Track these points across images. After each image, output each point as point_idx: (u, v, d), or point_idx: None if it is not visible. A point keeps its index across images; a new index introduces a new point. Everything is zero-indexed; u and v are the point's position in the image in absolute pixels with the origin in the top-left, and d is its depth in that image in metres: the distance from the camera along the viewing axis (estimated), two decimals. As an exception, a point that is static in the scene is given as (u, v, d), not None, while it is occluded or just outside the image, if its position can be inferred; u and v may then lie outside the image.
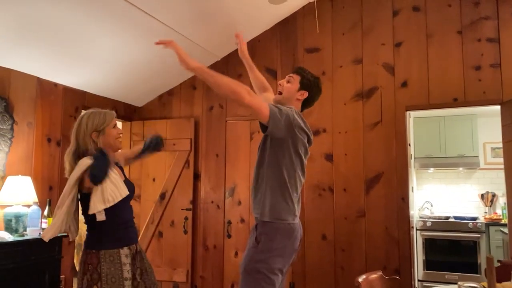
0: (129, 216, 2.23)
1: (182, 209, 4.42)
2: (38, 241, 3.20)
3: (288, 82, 2.32)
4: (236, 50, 4.41)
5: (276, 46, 4.30)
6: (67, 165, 2.14)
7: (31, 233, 3.20)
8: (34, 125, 3.65)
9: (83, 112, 2.31)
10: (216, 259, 4.31)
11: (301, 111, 2.35)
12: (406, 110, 3.84)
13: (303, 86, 2.29)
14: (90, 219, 2.11)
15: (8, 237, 3.04)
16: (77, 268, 2.17)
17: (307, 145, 2.27)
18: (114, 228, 2.12)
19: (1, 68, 3.39)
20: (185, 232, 4.39)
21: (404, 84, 3.83)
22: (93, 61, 3.76)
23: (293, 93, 2.29)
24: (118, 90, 4.42)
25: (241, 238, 4.24)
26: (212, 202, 4.41)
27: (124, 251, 2.10)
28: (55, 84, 3.87)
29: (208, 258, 4.35)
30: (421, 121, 5.01)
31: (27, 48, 3.29)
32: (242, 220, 4.26)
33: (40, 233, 3.25)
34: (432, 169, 5.14)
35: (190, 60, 2.21)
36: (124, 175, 2.32)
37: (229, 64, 4.48)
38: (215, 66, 4.53)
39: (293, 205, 2.18)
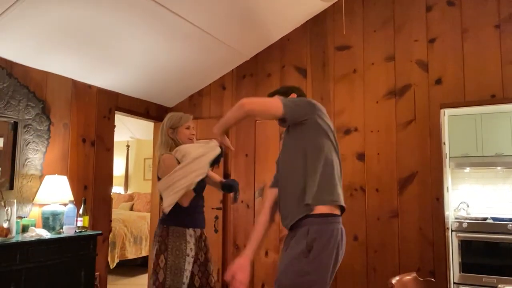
0: (202, 203, 2.59)
1: (212, 208, 4.45)
2: (74, 239, 3.29)
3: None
4: (265, 49, 4.44)
5: (306, 44, 4.27)
6: (157, 155, 2.57)
7: (67, 231, 3.29)
8: (69, 126, 3.76)
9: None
10: (246, 259, 4.31)
11: None
12: (441, 108, 3.73)
13: (286, 94, 2.16)
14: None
15: (45, 234, 3.14)
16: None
17: (334, 132, 2.02)
18: (184, 211, 2.41)
19: (38, 71, 3.50)
20: (216, 231, 4.41)
21: (439, 81, 3.72)
22: (126, 63, 3.83)
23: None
24: (150, 91, 4.49)
25: (271, 238, 4.23)
26: (242, 201, 4.42)
27: (189, 231, 2.42)
28: (89, 86, 3.97)
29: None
30: (456, 119, 4.85)
31: (62, 52, 3.39)
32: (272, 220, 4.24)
33: (76, 231, 3.35)
34: (468, 168, 4.96)
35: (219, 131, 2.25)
36: None
37: (258, 63, 4.48)
38: (244, 66, 4.54)
39: (340, 192, 1.92)
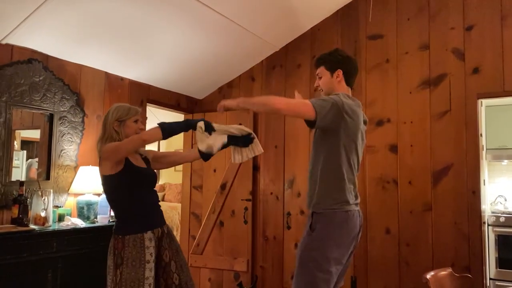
0: (153, 201, 2.39)
1: (242, 200, 4.46)
2: (107, 228, 3.36)
3: (320, 78, 2.33)
4: (295, 40, 4.38)
5: (337, 34, 4.19)
6: (97, 150, 2.36)
7: (101, 220, 3.38)
8: (102, 118, 3.83)
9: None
10: (276, 250, 4.32)
11: (351, 87, 2.33)
12: (478, 98, 3.59)
13: (332, 68, 2.26)
14: (116, 205, 2.32)
15: (80, 223, 3.23)
16: None
17: (363, 127, 2.23)
18: (139, 213, 2.27)
19: (73, 64, 3.58)
20: (245, 222, 4.43)
21: (476, 71, 3.58)
22: (157, 55, 3.87)
23: (330, 81, 2.28)
24: (180, 83, 4.53)
25: (300, 230, 4.21)
26: (271, 193, 4.41)
27: (148, 235, 2.23)
28: (122, 78, 4.04)
29: (268, 248, 4.37)
30: (494, 110, 4.68)
31: (96, 45, 3.45)
32: (302, 212, 4.23)
33: (109, 220, 3.43)
34: (506, 161, 4.79)
35: (235, 101, 2.28)
36: (147, 165, 2.46)
37: (288, 54, 4.43)
38: (273, 57, 4.50)
39: (347, 193, 2.12)
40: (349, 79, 2.31)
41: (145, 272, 2.15)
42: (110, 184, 2.28)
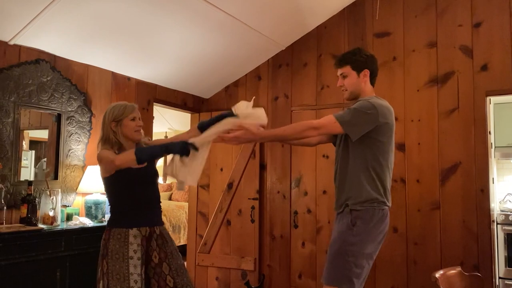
0: (147, 200, 2.36)
1: (249, 199, 4.46)
2: (115, 227, 3.38)
3: (344, 78, 2.32)
4: (302, 38, 4.37)
5: (344, 31, 4.17)
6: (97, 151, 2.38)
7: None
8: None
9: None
10: (283, 249, 4.31)
11: (373, 85, 2.36)
12: (486, 96, 3.56)
13: (359, 68, 2.27)
14: (109, 201, 2.38)
15: (88, 222, 3.24)
16: None
17: (394, 126, 2.28)
18: (128, 210, 2.30)
19: (80, 64, 3.60)
20: (252, 221, 4.43)
21: (484, 68, 3.55)
22: (163, 55, 3.88)
23: (357, 82, 2.29)
24: (187, 83, 4.53)
25: (307, 228, 4.20)
26: (278, 192, 4.41)
27: (133, 231, 2.24)
28: (128, 78, 4.05)
29: (275, 247, 4.37)
30: (502, 107, 4.63)
31: (103, 45, 3.46)
32: (309, 211, 4.22)
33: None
34: (515, 159, 4.74)
35: (254, 140, 2.38)
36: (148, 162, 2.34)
37: (294, 52, 4.42)
38: (280, 55, 4.49)
39: (386, 192, 2.22)
40: (373, 79, 2.34)
41: (129, 267, 2.16)
42: (105, 184, 2.37)
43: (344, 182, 2.23)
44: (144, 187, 2.36)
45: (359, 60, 2.28)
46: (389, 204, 2.27)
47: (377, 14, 3.94)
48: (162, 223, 2.44)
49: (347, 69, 2.29)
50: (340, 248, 2.13)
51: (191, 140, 2.08)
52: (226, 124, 2.18)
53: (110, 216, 2.36)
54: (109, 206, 2.40)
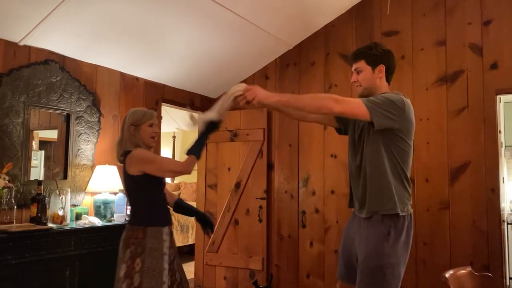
0: (166, 199, 2.50)
1: (256, 198, 4.46)
2: (124, 226, 3.38)
3: (358, 73, 2.21)
4: (309, 37, 4.36)
5: (351, 30, 4.15)
6: (115, 152, 2.47)
7: (117, 219, 3.41)
8: (118, 118, 3.87)
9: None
10: (291, 249, 4.31)
11: (389, 81, 2.25)
12: (496, 94, 3.52)
13: (375, 63, 2.16)
14: (138, 200, 2.39)
15: (97, 222, 3.26)
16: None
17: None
18: (159, 209, 2.39)
19: (88, 65, 3.62)
20: (260, 220, 4.43)
21: (494, 66, 3.51)
22: (171, 55, 3.89)
23: (372, 77, 2.17)
24: (194, 83, 4.54)
25: (316, 228, 4.19)
26: (286, 192, 4.40)
27: (166, 229, 2.35)
28: (137, 78, 4.07)
29: (283, 247, 4.36)
30: (513, 106, 4.59)
31: (111, 45, 3.48)
32: (317, 211, 4.21)
33: (126, 219, 3.46)
34: (525, 158, 4.70)
35: (269, 97, 2.11)
36: None
37: (301, 52, 4.41)
38: (287, 55, 4.49)
39: (409, 194, 2.11)
40: (389, 76, 2.23)
41: (164, 263, 2.27)
42: (133, 182, 2.37)
43: (373, 183, 2.07)
44: (163, 188, 2.50)
45: (374, 54, 2.17)
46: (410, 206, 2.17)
47: (388, 9, 3.89)
48: None
49: (362, 64, 2.18)
50: (378, 262, 2.00)
51: (210, 118, 2.27)
52: (233, 91, 2.23)
53: (141, 215, 2.36)
54: (135, 205, 2.42)
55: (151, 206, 2.37)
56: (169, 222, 2.41)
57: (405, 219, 2.04)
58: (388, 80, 2.24)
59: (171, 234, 2.40)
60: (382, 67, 2.16)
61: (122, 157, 2.38)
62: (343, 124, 2.39)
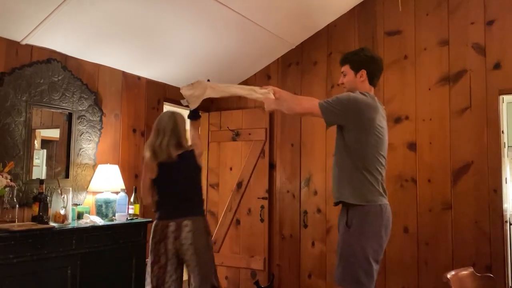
0: None
1: (258, 198, 4.46)
2: (125, 226, 3.40)
3: (344, 76, 2.41)
4: (312, 37, 4.35)
5: (354, 30, 4.14)
6: (169, 148, 2.81)
7: (119, 218, 3.41)
8: (120, 117, 3.87)
9: (171, 111, 3.05)
10: (292, 249, 4.30)
11: (375, 86, 2.40)
12: (500, 95, 3.51)
13: (356, 68, 2.35)
14: (199, 190, 2.89)
15: (99, 221, 3.26)
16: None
17: (384, 122, 2.30)
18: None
19: (90, 64, 3.62)
20: (262, 220, 4.42)
21: (497, 66, 3.50)
22: (173, 54, 3.89)
23: (354, 81, 2.36)
24: (196, 82, 4.53)
25: (317, 228, 4.18)
26: (288, 191, 4.40)
27: None
28: (139, 78, 4.07)
29: (284, 247, 4.36)
30: (516, 106, 4.57)
31: (113, 44, 3.48)
32: (319, 211, 4.20)
33: (127, 218, 3.45)
34: (528, 159, 4.67)
35: (269, 105, 2.48)
36: None
37: (303, 51, 4.40)
38: (289, 54, 4.48)
39: (378, 185, 2.20)
40: (373, 79, 2.38)
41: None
42: (198, 175, 2.90)
43: (337, 177, 2.30)
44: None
45: (357, 60, 2.36)
46: (384, 198, 2.24)
47: (400, 6, 3.84)
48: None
49: (347, 68, 2.39)
50: (342, 250, 2.18)
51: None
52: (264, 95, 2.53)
53: (200, 206, 2.87)
54: (198, 195, 2.88)
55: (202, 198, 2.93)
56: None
57: (370, 209, 2.15)
58: (373, 83, 2.39)
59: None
60: (363, 72, 2.34)
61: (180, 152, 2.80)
62: None
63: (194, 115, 3.06)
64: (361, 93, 2.26)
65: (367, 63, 2.35)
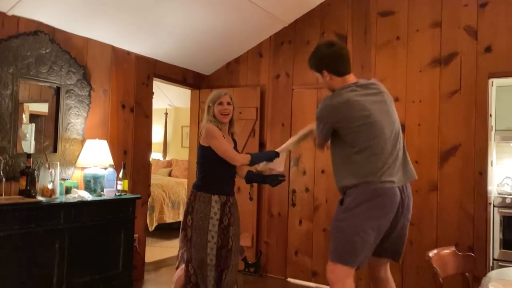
0: (229, 174, 2.82)
1: (247, 177, 4.47)
2: (114, 201, 3.41)
3: (318, 79, 2.44)
4: (305, 15, 4.30)
5: (347, 9, 4.10)
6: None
7: (107, 194, 3.41)
8: (109, 92, 3.83)
9: None
10: (280, 227, 4.35)
11: (348, 72, 2.34)
12: (489, 78, 3.53)
13: (319, 71, 2.36)
14: (200, 168, 2.80)
15: (87, 196, 3.26)
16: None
17: (367, 105, 2.24)
18: (213, 179, 2.76)
19: (79, 37, 3.56)
20: (251, 198, 4.45)
21: (488, 49, 3.51)
22: (164, 30, 3.83)
23: (324, 82, 2.38)
24: (187, 59, 4.49)
25: (305, 207, 4.23)
26: (278, 170, 4.41)
27: (215, 197, 2.71)
28: (128, 53, 4.01)
29: (272, 225, 4.40)
30: (505, 90, 4.58)
31: (102, 18, 3.42)
32: (307, 190, 4.23)
33: (116, 194, 3.45)
34: (515, 142, 4.73)
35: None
36: (234, 144, 2.90)
37: (296, 30, 4.36)
38: (282, 32, 4.44)
39: (377, 171, 2.17)
40: (339, 71, 2.31)
41: (209, 225, 2.66)
42: (201, 152, 2.78)
43: (335, 166, 2.37)
44: (226, 164, 2.73)
45: (315, 64, 2.38)
46: (384, 181, 2.20)
47: None
48: (233, 194, 2.85)
49: (314, 72, 2.41)
50: (333, 225, 2.26)
51: (278, 149, 2.83)
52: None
53: (198, 181, 2.79)
54: (197, 172, 2.81)
55: (207, 175, 2.75)
56: (221, 192, 2.73)
57: (364, 191, 2.18)
58: (341, 74, 2.32)
59: (223, 203, 2.72)
60: (325, 72, 2.33)
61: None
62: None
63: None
64: (331, 96, 2.30)
65: (323, 63, 2.33)
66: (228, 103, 2.79)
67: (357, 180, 2.20)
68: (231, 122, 2.87)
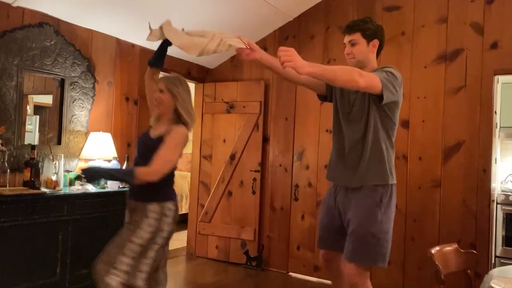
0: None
1: (250, 170, 4.48)
2: (117, 194, 3.42)
3: (353, 45, 2.22)
4: (310, 9, 4.28)
5: (352, 4, 4.07)
6: None
7: (111, 186, 3.42)
8: (113, 85, 3.83)
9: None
10: (282, 221, 4.36)
11: (378, 56, 2.31)
12: (495, 75, 3.50)
13: (370, 37, 2.20)
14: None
15: (91, 188, 3.27)
16: None
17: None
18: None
19: (84, 29, 3.55)
20: (253, 192, 4.46)
21: (494, 46, 3.48)
22: (168, 22, 3.81)
23: (366, 50, 2.21)
24: (191, 52, 4.47)
25: (308, 201, 4.23)
26: (280, 165, 4.42)
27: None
28: (132, 45, 4.00)
29: (275, 219, 4.41)
30: (510, 87, 4.57)
31: (107, 10, 3.41)
32: (310, 185, 4.24)
33: (119, 186, 3.47)
34: (519, 140, 4.71)
35: (304, 66, 2.02)
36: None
37: (301, 24, 4.34)
38: (287, 27, 4.42)
39: (394, 166, 2.24)
40: (379, 51, 2.29)
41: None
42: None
43: (372, 155, 2.15)
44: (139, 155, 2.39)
45: (370, 28, 2.19)
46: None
47: None
48: (140, 198, 2.33)
49: (357, 36, 2.19)
50: (372, 228, 2.11)
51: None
52: (232, 41, 2.25)
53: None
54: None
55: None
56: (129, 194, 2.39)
57: (392, 188, 2.19)
58: (377, 55, 2.29)
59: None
60: (376, 42, 2.22)
61: None
62: (330, 92, 2.40)
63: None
64: (389, 67, 2.15)
65: (380, 33, 2.24)
66: (161, 91, 2.37)
67: (393, 179, 2.18)
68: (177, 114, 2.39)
